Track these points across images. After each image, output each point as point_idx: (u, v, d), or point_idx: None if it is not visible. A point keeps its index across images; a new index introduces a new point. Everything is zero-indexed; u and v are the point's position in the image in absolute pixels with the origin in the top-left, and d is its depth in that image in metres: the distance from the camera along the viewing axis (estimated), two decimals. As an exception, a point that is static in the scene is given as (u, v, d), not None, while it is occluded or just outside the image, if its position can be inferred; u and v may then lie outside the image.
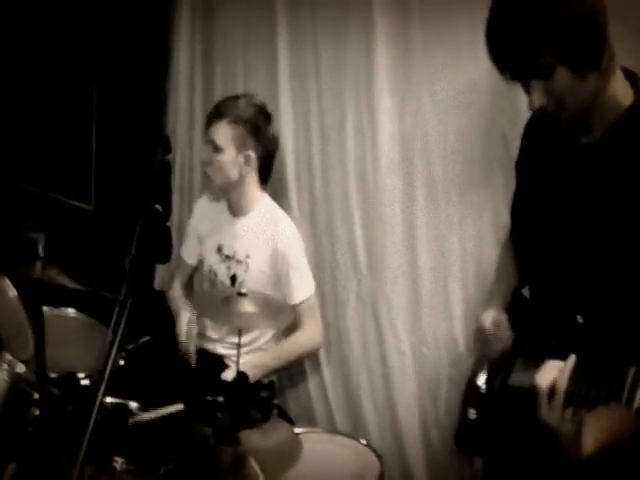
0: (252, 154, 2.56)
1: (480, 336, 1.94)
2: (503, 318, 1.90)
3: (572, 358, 1.51)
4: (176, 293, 2.86)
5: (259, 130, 2.57)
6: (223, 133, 2.53)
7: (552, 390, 1.49)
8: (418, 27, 2.34)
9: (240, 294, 1.96)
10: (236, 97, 2.63)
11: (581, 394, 1.48)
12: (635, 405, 1.36)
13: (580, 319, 1.67)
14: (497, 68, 1.58)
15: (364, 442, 2.31)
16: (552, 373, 1.50)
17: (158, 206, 1.49)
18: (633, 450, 1.52)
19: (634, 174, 1.56)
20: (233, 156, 2.55)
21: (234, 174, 2.57)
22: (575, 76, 1.50)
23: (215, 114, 2.57)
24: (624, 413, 1.40)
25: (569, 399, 1.48)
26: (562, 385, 1.48)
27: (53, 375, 2.05)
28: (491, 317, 1.91)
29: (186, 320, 2.63)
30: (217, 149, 2.55)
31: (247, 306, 1.97)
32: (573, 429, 1.48)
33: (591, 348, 1.56)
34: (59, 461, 1.72)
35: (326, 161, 2.65)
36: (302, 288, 2.58)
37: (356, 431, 2.58)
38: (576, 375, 1.49)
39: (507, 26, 1.51)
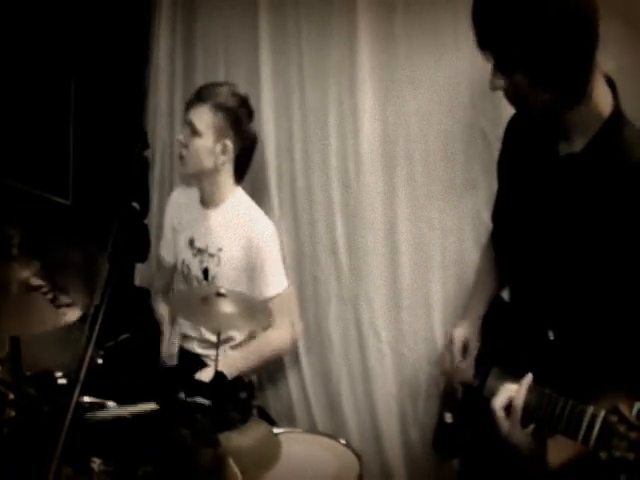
0: (229, 144, 2.53)
1: (447, 353, 1.99)
2: (474, 337, 1.93)
3: (528, 377, 1.53)
4: (159, 305, 2.81)
5: (240, 122, 2.55)
6: (204, 117, 2.50)
7: (509, 409, 1.52)
8: (401, 26, 2.33)
9: (219, 294, 1.94)
10: (220, 84, 2.60)
11: (540, 413, 1.49)
12: (590, 445, 1.35)
13: (552, 335, 1.67)
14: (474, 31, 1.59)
15: (344, 442, 2.30)
16: (507, 393, 1.54)
17: (135, 204, 1.47)
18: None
19: (610, 189, 1.56)
20: (211, 143, 2.52)
21: (209, 162, 2.54)
22: (532, 86, 1.53)
23: (197, 97, 2.54)
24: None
25: (529, 417, 1.50)
26: (518, 402, 1.51)
27: (29, 374, 2.03)
28: (463, 335, 1.95)
29: (168, 338, 2.61)
30: (195, 133, 2.52)
31: (226, 306, 1.95)
32: (535, 447, 1.51)
33: (559, 367, 1.57)
34: (35, 463, 1.70)
35: (308, 160, 2.63)
36: (274, 283, 2.55)
37: (336, 431, 2.57)
38: (536, 394, 1.51)
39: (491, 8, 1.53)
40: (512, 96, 1.60)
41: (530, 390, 1.52)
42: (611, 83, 1.61)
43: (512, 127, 1.86)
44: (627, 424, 1.30)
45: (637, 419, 1.30)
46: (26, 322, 1.69)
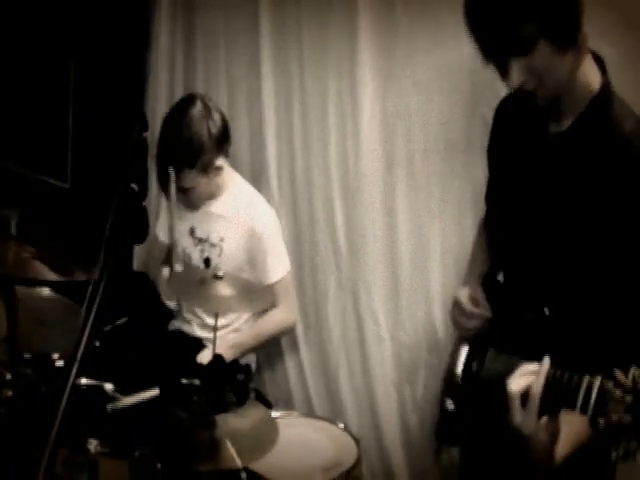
0: (222, 161, 2.48)
1: (456, 312, 1.91)
2: (480, 295, 1.86)
3: (546, 361, 1.44)
4: (160, 276, 2.82)
5: (218, 135, 2.44)
6: (192, 176, 2.42)
7: (526, 396, 1.42)
8: (402, 11, 2.33)
9: (217, 277, 1.94)
10: (181, 131, 2.39)
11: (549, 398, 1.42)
12: (588, 415, 1.34)
13: (547, 311, 1.66)
14: (477, 45, 1.55)
15: (342, 426, 2.31)
16: (526, 378, 1.44)
17: (134, 185, 1.46)
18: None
19: (599, 166, 1.55)
20: (208, 181, 2.48)
21: (213, 187, 2.53)
22: (555, 51, 1.48)
23: (176, 166, 2.38)
24: (582, 420, 1.37)
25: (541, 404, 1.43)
26: (537, 391, 1.41)
27: (27, 356, 2.02)
28: (467, 293, 1.88)
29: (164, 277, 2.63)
30: (191, 188, 2.47)
31: (224, 289, 1.95)
32: (548, 438, 1.45)
33: (555, 342, 1.55)
34: (32, 443, 1.70)
35: (308, 146, 2.64)
36: (278, 268, 2.56)
37: (334, 415, 2.58)
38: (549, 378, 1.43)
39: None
40: (534, 78, 1.52)
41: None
42: (599, 60, 1.60)
43: (502, 110, 1.85)
44: (622, 388, 1.30)
45: (633, 383, 1.30)
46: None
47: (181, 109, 2.45)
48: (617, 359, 1.36)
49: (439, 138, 2.34)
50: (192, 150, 2.38)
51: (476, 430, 1.87)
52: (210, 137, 2.41)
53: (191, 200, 2.56)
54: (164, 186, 2.42)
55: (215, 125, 2.43)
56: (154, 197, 2.92)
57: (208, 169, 2.45)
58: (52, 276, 1.72)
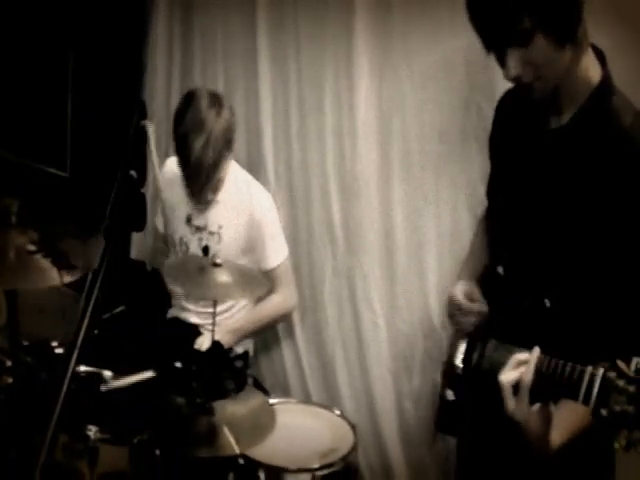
0: (234, 136, 2.49)
1: (451, 307, 1.92)
2: (475, 290, 1.88)
3: (536, 350, 1.48)
4: None
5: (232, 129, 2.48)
6: (228, 158, 2.48)
7: (517, 384, 1.46)
8: (399, 2, 2.33)
9: (215, 264, 1.95)
10: (208, 119, 2.38)
11: (542, 388, 1.45)
12: (591, 404, 1.35)
13: (548, 303, 1.67)
14: (478, 35, 1.55)
15: (338, 412, 2.33)
16: (517, 368, 1.48)
17: (133, 172, 1.47)
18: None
19: (599, 160, 1.55)
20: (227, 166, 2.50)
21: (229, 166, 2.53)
22: (552, 45, 1.48)
23: (224, 149, 2.43)
24: (582, 410, 1.39)
25: (533, 393, 1.46)
26: (527, 379, 1.45)
27: (26, 343, 2.04)
28: (462, 288, 1.89)
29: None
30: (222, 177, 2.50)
31: (222, 276, 1.96)
32: (541, 425, 1.48)
33: (556, 334, 1.56)
34: (32, 430, 1.72)
35: (304, 135, 2.64)
36: (277, 253, 2.58)
37: (330, 402, 2.60)
38: (540, 367, 1.46)
39: None
40: (531, 70, 1.52)
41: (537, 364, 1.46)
42: (600, 53, 1.60)
43: (503, 105, 1.86)
44: (626, 378, 1.30)
45: (635, 373, 1.31)
46: (26, 278, 1.68)
47: (195, 104, 2.41)
48: (618, 349, 1.37)
49: (434, 128, 2.35)
50: (231, 132, 2.43)
51: (475, 420, 1.89)
52: (231, 112, 2.45)
53: (214, 191, 2.54)
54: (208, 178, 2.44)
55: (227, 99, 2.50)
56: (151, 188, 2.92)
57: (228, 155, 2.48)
58: (54, 276, 1.70)
